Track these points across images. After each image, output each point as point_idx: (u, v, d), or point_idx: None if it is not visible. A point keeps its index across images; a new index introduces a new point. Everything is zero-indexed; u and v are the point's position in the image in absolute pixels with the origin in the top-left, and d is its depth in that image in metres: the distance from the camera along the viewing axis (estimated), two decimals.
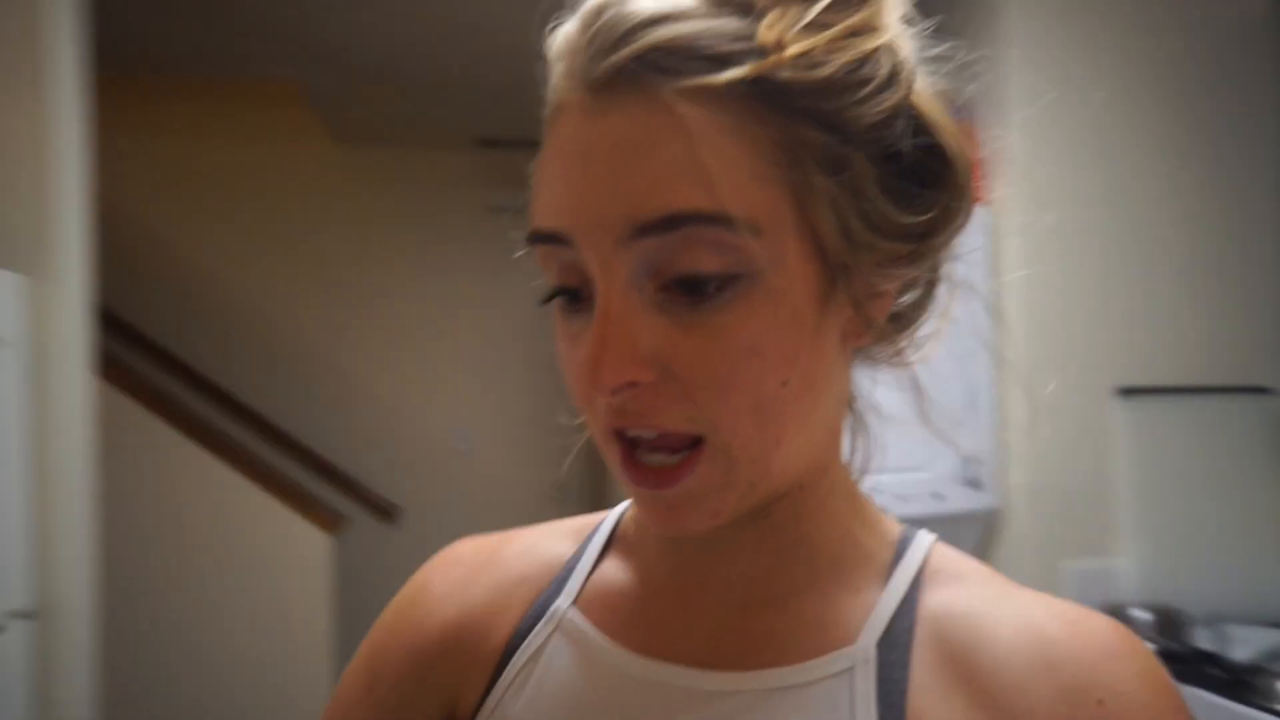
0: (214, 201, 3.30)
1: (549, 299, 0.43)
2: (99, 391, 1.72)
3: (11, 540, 1.44)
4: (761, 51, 0.37)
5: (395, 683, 0.53)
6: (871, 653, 0.43)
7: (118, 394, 2.42)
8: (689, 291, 0.38)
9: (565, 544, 0.55)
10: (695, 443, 0.40)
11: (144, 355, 3.15)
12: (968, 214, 0.43)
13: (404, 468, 3.50)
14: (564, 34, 0.41)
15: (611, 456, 0.43)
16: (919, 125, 0.41)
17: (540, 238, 0.41)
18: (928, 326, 0.47)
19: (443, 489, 3.52)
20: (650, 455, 0.41)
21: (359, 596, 2.40)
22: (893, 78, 0.40)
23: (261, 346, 3.37)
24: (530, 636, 0.50)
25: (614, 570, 0.52)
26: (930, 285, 0.47)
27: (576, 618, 0.50)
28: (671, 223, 0.37)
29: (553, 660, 0.49)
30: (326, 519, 2.80)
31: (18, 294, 1.47)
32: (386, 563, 2.59)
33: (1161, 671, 0.40)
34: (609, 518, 0.56)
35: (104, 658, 1.67)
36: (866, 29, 0.40)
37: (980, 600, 0.43)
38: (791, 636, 0.45)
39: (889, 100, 0.40)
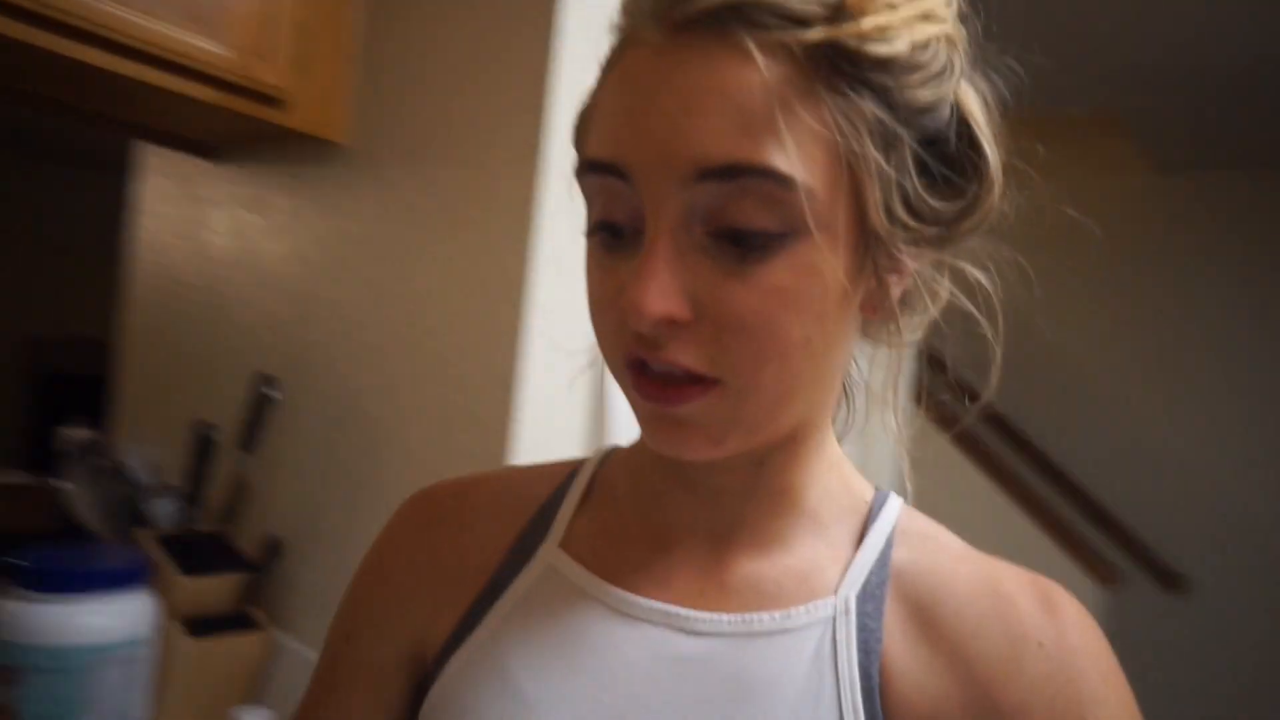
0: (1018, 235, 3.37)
1: (592, 233, 0.44)
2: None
3: None
4: (839, 17, 0.38)
5: (372, 630, 0.55)
6: (852, 603, 0.46)
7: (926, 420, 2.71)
8: (736, 242, 0.39)
9: (539, 487, 0.56)
10: (709, 383, 0.42)
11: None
12: (995, 206, 0.44)
13: (1193, 533, 3.15)
14: None
15: (625, 380, 0.44)
16: (960, 116, 0.43)
17: (596, 167, 0.42)
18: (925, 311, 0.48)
19: (1240, 565, 3.08)
20: (666, 378, 0.42)
21: (1130, 662, 2.27)
22: (947, 66, 0.42)
23: (1055, 385, 3.33)
24: (518, 578, 0.51)
25: (597, 515, 0.54)
26: (937, 272, 0.48)
27: (563, 558, 0.51)
28: (732, 171, 0.38)
29: (544, 599, 0.50)
30: (1102, 570, 2.71)
31: None
32: (1163, 634, 2.40)
33: (1091, 622, 0.46)
34: (588, 464, 0.57)
35: None
36: (933, 16, 0.41)
37: (944, 559, 0.48)
38: (774, 584, 0.48)
39: (942, 87, 0.42)
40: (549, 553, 0.52)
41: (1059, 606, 0.46)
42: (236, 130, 1.38)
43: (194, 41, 1.12)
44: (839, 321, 0.43)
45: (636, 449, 0.55)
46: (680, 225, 0.40)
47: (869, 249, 0.43)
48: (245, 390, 1.25)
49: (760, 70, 0.38)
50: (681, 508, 0.51)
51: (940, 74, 0.42)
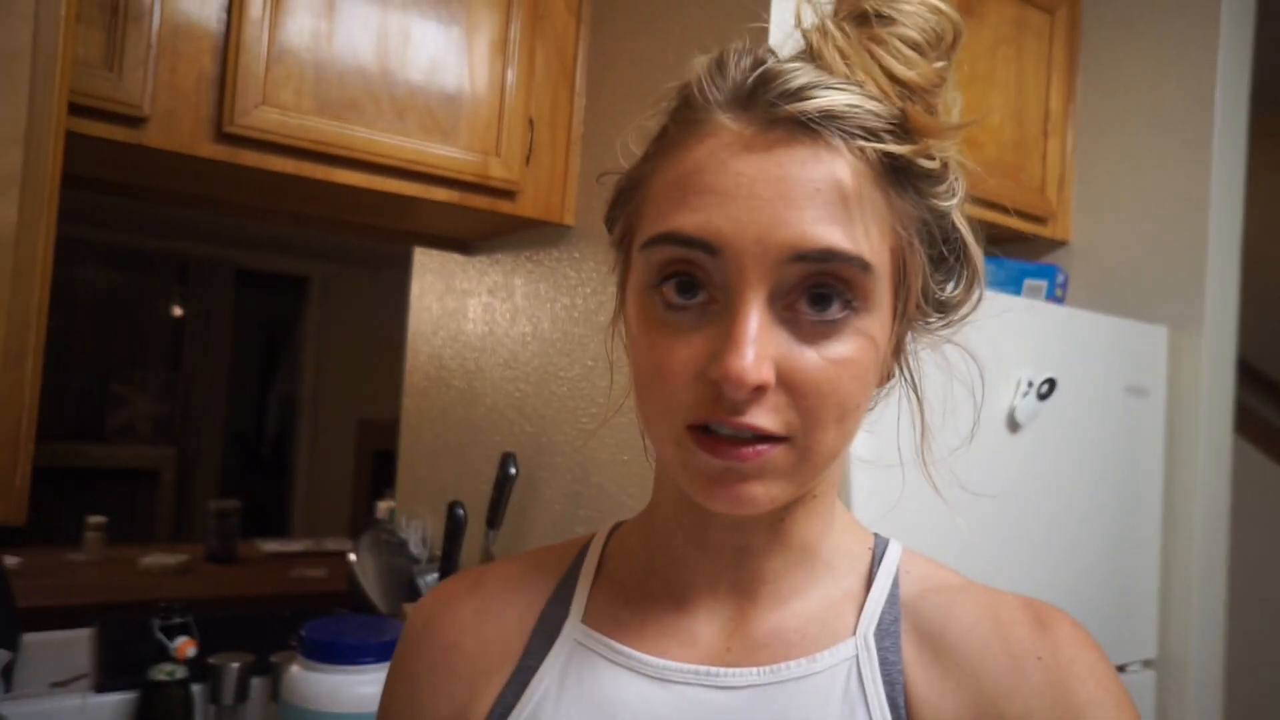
0: None
1: (653, 289, 0.46)
2: (1233, 445, 1.59)
3: (1143, 589, 1.48)
4: (904, 133, 0.46)
5: None
6: (871, 641, 0.50)
7: (1250, 448, 2.29)
8: (815, 313, 0.44)
9: (550, 567, 0.59)
10: (777, 440, 0.45)
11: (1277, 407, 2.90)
12: (981, 298, 0.52)
13: None
14: (720, 64, 0.47)
15: (684, 446, 0.46)
16: (953, 224, 0.50)
17: (683, 241, 0.45)
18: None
19: None
20: (731, 435, 0.45)
21: None
22: (958, 179, 0.49)
23: None
24: (546, 659, 0.53)
25: (615, 586, 0.56)
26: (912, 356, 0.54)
27: (589, 633, 0.53)
28: (825, 256, 0.44)
29: (576, 676, 0.52)
30: None
31: (1162, 346, 1.51)
32: None
33: (1084, 634, 0.49)
34: (596, 539, 0.59)
35: (1224, 715, 1.56)
36: (955, 141, 0.48)
37: (947, 592, 0.52)
38: (797, 634, 0.51)
39: (954, 199, 0.49)
40: (573, 629, 0.54)
41: (1052, 624, 0.49)
42: (479, 224, 1.49)
43: (437, 151, 1.24)
44: (872, 387, 0.49)
45: (647, 516, 0.58)
46: (769, 299, 0.44)
47: (899, 330, 0.49)
48: (492, 468, 1.32)
49: (847, 168, 0.44)
50: (702, 569, 0.53)
51: (954, 187, 0.49)
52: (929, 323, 0.52)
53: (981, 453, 1.12)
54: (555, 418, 1.31)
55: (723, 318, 0.44)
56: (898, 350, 0.51)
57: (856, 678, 0.49)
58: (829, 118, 0.44)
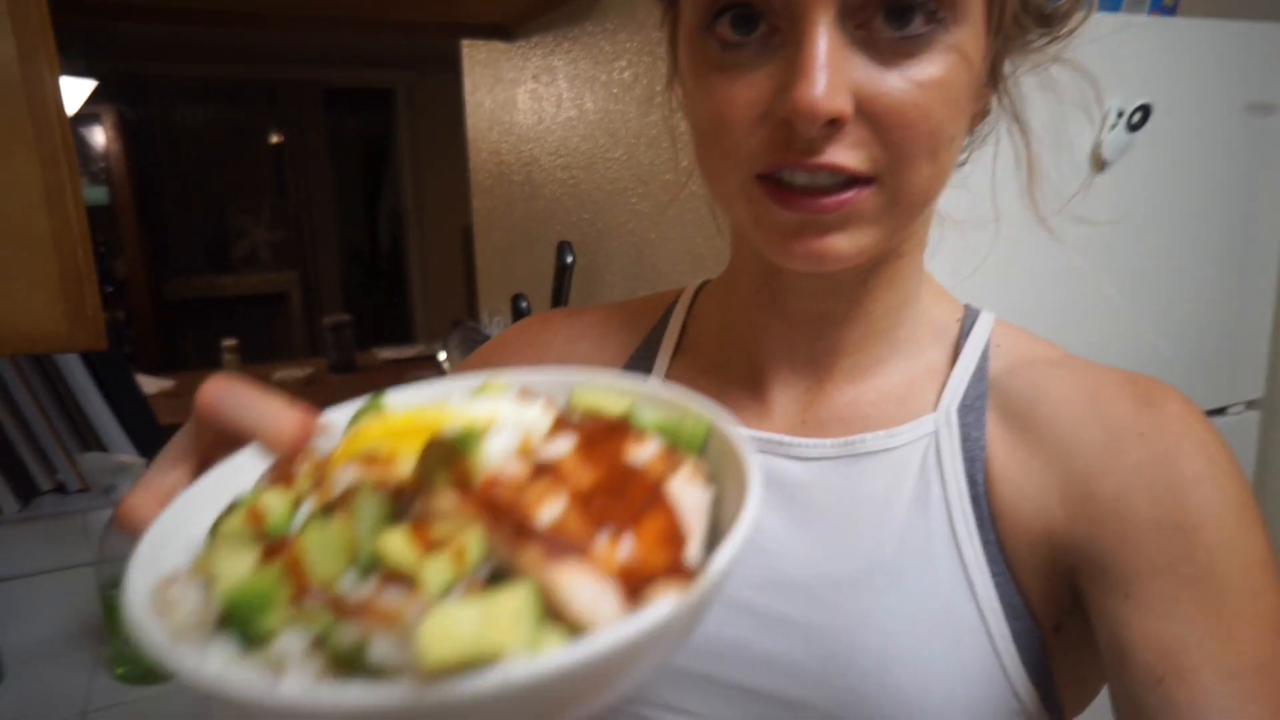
0: None
1: (708, 28, 0.41)
2: None
3: (1253, 327, 1.40)
4: None
5: None
6: (953, 416, 0.47)
7: None
8: (896, 30, 0.38)
9: (638, 323, 0.58)
10: (865, 183, 0.40)
11: None
12: (1093, 5, 0.45)
13: None
14: None
15: (755, 200, 0.42)
16: None
17: None
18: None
19: None
20: (806, 185, 0.40)
21: None
22: None
23: None
24: None
25: (693, 355, 0.54)
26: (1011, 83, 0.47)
27: None
28: None
29: None
30: None
31: None
32: None
33: (1197, 412, 0.44)
34: (680, 303, 0.57)
35: None
36: None
37: (1040, 366, 0.48)
38: (874, 408, 0.48)
39: None
40: None
41: (1158, 400, 0.44)
42: (513, 6, 1.41)
43: None
44: (967, 118, 0.43)
45: (728, 280, 0.54)
46: (839, 17, 0.38)
47: (994, 49, 0.42)
48: (552, 258, 1.32)
49: None
50: (779, 339, 0.51)
51: None
52: (1029, 40, 0.44)
53: (1059, 196, 1.04)
54: (607, 201, 1.28)
55: (787, 46, 0.39)
56: (994, 78, 0.44)
57: (935, 453, 0.47)
58: None
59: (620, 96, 1.22)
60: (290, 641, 0.24)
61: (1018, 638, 0.44)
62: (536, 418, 0.31)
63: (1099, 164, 1.14)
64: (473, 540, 0.24)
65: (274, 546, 0.26)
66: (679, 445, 0.31)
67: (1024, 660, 0.44)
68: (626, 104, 1.21)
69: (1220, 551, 0.40)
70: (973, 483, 0.45)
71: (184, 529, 0.29)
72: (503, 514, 0.24)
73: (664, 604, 0.23)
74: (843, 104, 0.38)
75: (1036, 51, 0.45)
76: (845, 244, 0.42)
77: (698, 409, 0.32)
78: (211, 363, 2.86)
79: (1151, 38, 1.18)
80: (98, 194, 4.33)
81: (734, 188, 0.43)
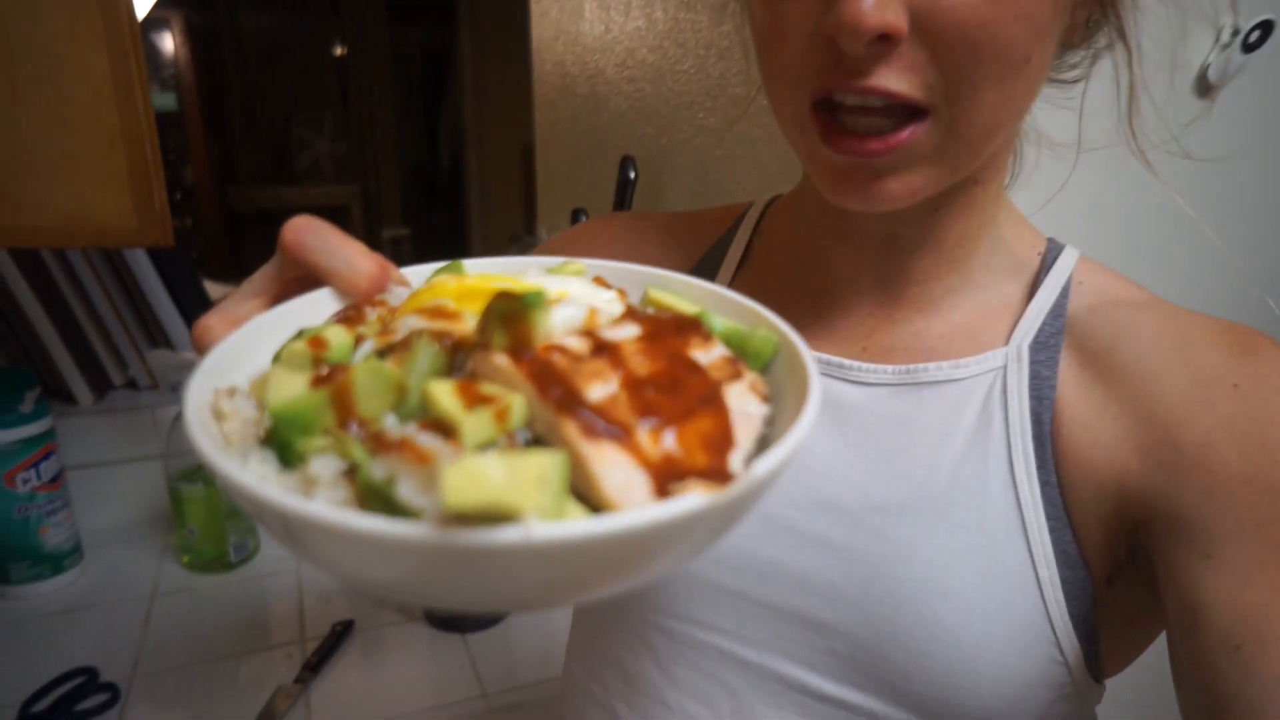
0: None
1: None
2: None
3: None
4: None
5: None
6: (1025, 352, 0.45)
7: None
8: None
9: (706, 232, 0.56)
10: (913, 115, 0.38)
11: None
12: None
13: None
14: None
15: (808, 131, 0.40)
16: None
17: None
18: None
19: None
20: (857, 120, 0.38)
21: None
22: None
23: None
24: None
25: (757, 270, 0.52)
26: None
27: None
28: None
29: None
30: None
31: None
32: None
33: None
34: (750, 214, 0.55)
35: None
36: None
37: (1125, 307, 0.44)
38: (941, 340, 0.46)
39: None
40: None
41: (1260, 350, 0.41)
42: None
43: None
44: (1051, 44, 0.39)
45: (798, 197, 0.53)
46: None
47: None
48: (614, 174, 1.29)
49: None
50: (846, 262, 0.49)
51: None
52: None
53: (1157, 125, 0.96)
54: (674, 116, 1.24)
55: None
56: None
57: (1001, 388, 0.44)
58: None
59: (692, 4, 1.17)
60: (324, 465, 0.24)
61: (1067, 586, 0.42)
62: (609, 301, 0.30)
63: (1205, 89, 1.06)
64: (518, 403, 0.24)
65: (328, 374, 0.26)
66: (745, 355, 0.30)
67: (1071, 611, 0.42)
68: (698, 12, 1.16)
69: None
70: (1038, 422, 0.43)
71: (250, 351, 0.30)
72: (552, 382, 0.24)
73: (690, 500, 0.22)
74: (892, 18, 0.35)
75: None
76: (898, 186, 0.40)
77: (771, 322, 0.31)
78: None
79: None
80: (166, 100, 4.38)
81: (789, 114, 0.41)
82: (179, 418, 1.14)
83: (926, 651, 0.42)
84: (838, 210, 0.47)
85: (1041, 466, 0.43)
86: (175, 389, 1.19)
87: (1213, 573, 0.38)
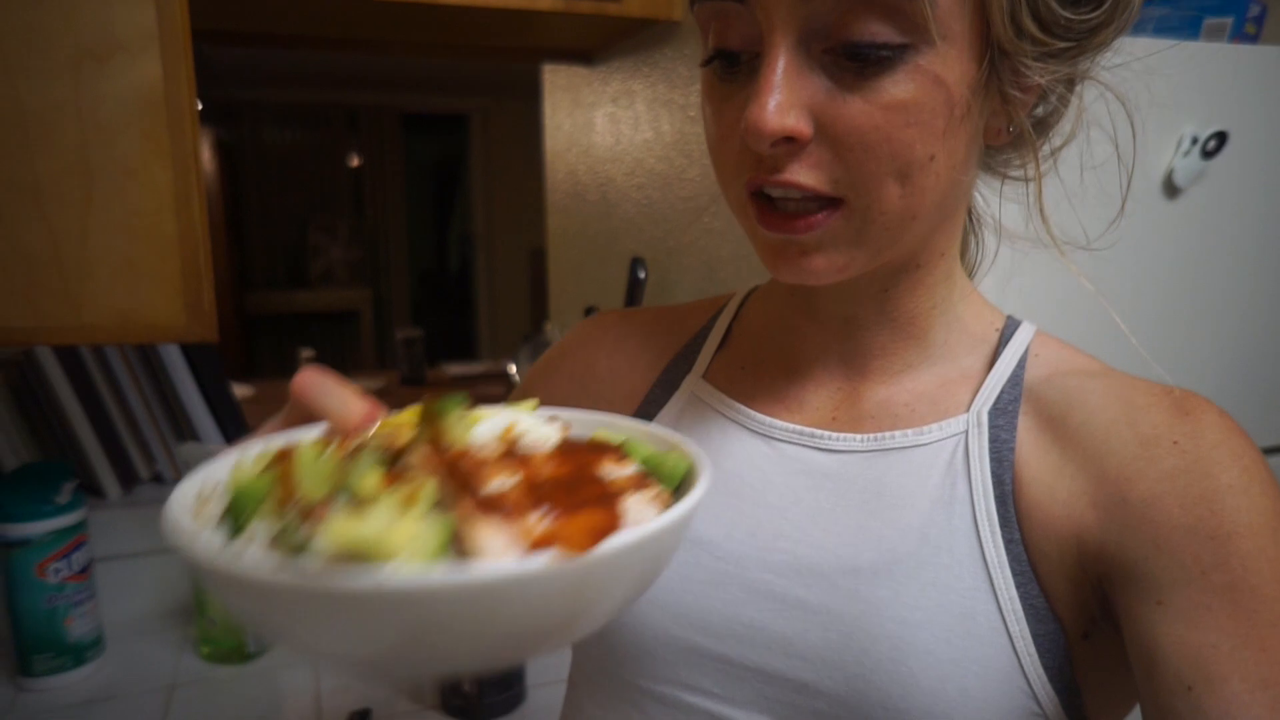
0: None
1: (708, 61, 0.44)
2: None
3: None
4: None
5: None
6: (984, 417, 0.47)
7: None
8: (856, 56, 0.39)
9: (688, 322, 0.60)
10: (833, 204, 0.42)
11: None
12: (1132, 18, 0.42)
13: None
14: None
15: (748, 216, 0.44)
16: None
17: None
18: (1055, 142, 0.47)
19: None
20: (787, 203, 0.42)
21: None
22: None
23: None
24: (666, 406, 0.56)
25: (737, 349, 0.57)
26: (1064, 97, 0.46)
27: (706, 387, 0.55)
28: None
29: (689, 425, 0.54)
30: None
31: None
32: None
33: (1232, 423, 0.43)
34: (731, 302, 0.59)
35: None
36: None
37: (1077, 375, 0.48)
38: (905, 408, 0.49)
39: None
40: (693, 383, 0.56)
41: (1196, 410, 0.44)
42: (594, 31, 1.47)
43: None
44: (962, 142, 0.42)
45: (772, 283, 0.57)
46: (799, 42, 0.40)
47: (993, 64, 0.41)
48: (624, 274, 1.37)
49: None
50: (813, 339, 0.53)
51: None
52: (1047, 54, 0.41)
53: (1130, 222, 1.03)
54: (680, 220, 1.33)
55: (757, 71, 0.41)
56: (1004, 96, 0.42)
57: (963, 452, 0.47)
58: None
59: (696, 119, 1.27)
60: (260, 530, 0.28)
61: (1039, 640, 0.44)
62: (544, 427, 0.35)
63: (1171, 191, 1.14)
64: (429, 487, 0.27)
65: (276, 461, 0.31)
66: (660, 475, 0.34)
67: (1045, 664, 0.43)
68: (701, 126, 1.26)
69: (1253, 560, 0.40)
70: (999, 483, 0.46)
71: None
72: (459, 471, 0.28)
73: (536, 560, 0.24)
74: (791, 124, 0.39)
75: (1061, 65, 0.42)
76: (823, 263, 0.44)
77: (686, 449, 0.35)
78: (288, 372, 2.97)
79: (1232, 63, 1.18)
80: None
81: (734, 202, 0.46)
82: None
83: (905, 709, 0.43)
84: (804, 292, 0.51)
85: (1005, 525, 0.45)
86: None
87: (1164, 618, 0.40)
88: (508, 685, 1.05)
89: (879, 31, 0.38)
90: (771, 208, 0.43)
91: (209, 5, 1.06)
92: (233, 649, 1.17)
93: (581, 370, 0.62)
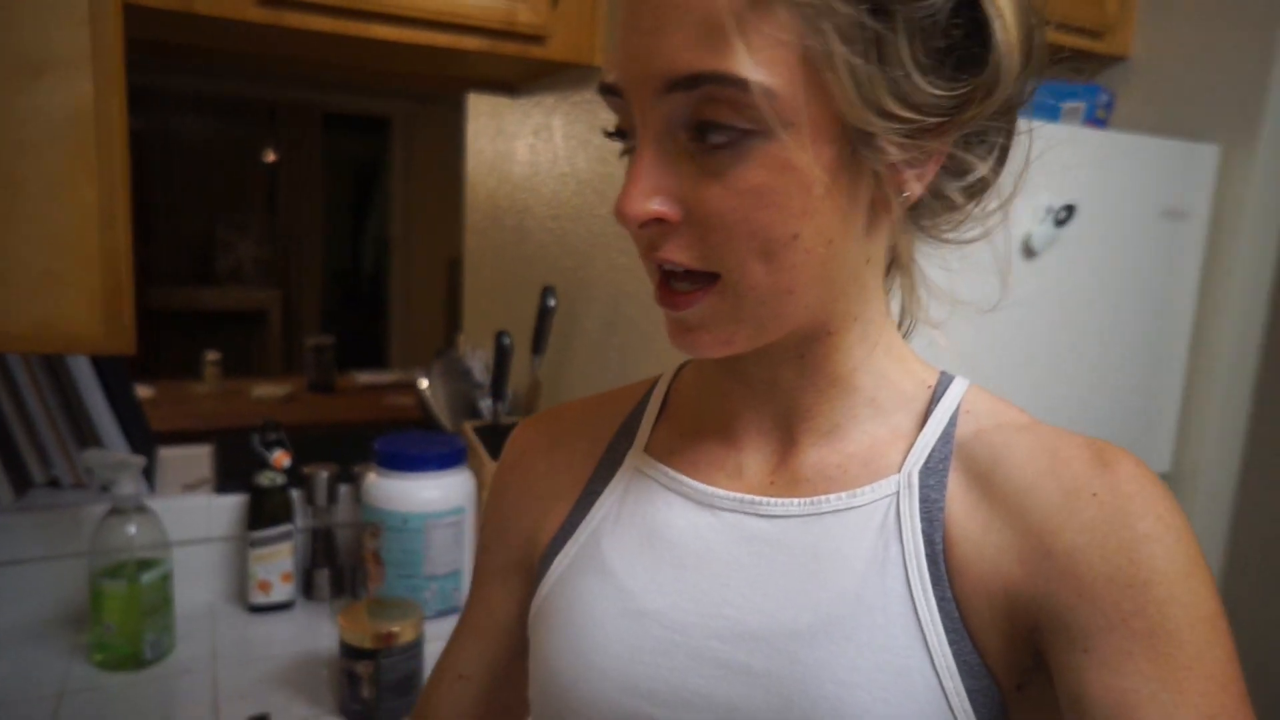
0: None
1: (609, 136, 0.47)
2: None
3: (1163, 406, 1.54)
4: None
5: (496, 540, 0.63)
6: (915, 478, 0.48)
7: None
8: (709, 147, 0.42)
9: (621, 404, 0.61)
10: (711, 281, 0.45)
11: None
12: (1007, 87, 0.43)
13: None
14: None
15: (655, 285, 0.47)
16: (964, 5, 0.41)
17: (602, 88, 0.45)
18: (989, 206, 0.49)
19: None
20: (679, 283, 0.45)
21: None
22: None
23: None
24: (610, 484, 0.56)
25: (674, 420, 0.57)
26: (997, 163, 0.48)
27: (647, 460, 0.56)
28: (694, 81, 0.40)
29: (634, 500, 0.55)
30: None
31: (1211, 167, 1.48)
32: None
33: (1149, 474, 0.45)
34: (663, 378, 0.61)
35: (1236, 521, 1.64)
36: None
37: (1006, 430, 0.49)
38: (838, 469, 0.50)
39: None
40: (635, 457, 0.57)
41: (1114, 462, 0.46)
42: (516, 69, 1.54)
43: (466, 0, 1.28)
44: (834, 218, 0.44)
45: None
46: (663, 133, 0.43)
47: (854, 143, 0.43)
48: (536, 300, 1.44)
49: None
50: (744, 403, 0.54)
51: None
52: (917, 131, 0.42)
53: (994, 280, 1.16)
54: (591, 253, 1.40)
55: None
56: (876, 167, 0.43)
57: (895, 514, 0.48)
58: None
59: (609, 161, 1.35)
60: None
61: (973, 695, 0.45)
62: None
63: (1029, 253, 1.28)
64: None
65: None
66: None
67: (980, 718, 0.45)
68: (615, 168, 1.34)
69: (1169, 606, 0.41)
70: (930, 542, 0.47)
71: None
72: None
73: None
74: (655, 208, 0.43)
75: (933, 140, 0.44)
76: (708, 340, 0.47)
77: None
78: (191, 374, 2.92)
79: (1084, 145, 1.34)
80: None
81: (648, 271, 0.48)
82: (110, 514, 1.19)
83: None
84: (729, 358, 0.52)
85: (936, 583, 0.46)
86: (107, 487, 1.23)
87: (1090, 665, 0.42)
88: (406, 689, 1.10)
89: (728, 123, 0.41)
90: (668, 284, 0.46)
91: (134, 21, 1.09)
92: (128, 655, 1.18)
93: (522, 479, 0.63)
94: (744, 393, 0.54)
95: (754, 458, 0.53)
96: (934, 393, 0.52)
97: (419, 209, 5.37)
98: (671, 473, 0.55)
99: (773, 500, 0.51)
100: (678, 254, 0.44)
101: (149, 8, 1.09)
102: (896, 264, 0.52)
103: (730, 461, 0.54)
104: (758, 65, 0.40)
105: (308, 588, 1.40)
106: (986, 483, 0.48)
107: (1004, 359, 1.30)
